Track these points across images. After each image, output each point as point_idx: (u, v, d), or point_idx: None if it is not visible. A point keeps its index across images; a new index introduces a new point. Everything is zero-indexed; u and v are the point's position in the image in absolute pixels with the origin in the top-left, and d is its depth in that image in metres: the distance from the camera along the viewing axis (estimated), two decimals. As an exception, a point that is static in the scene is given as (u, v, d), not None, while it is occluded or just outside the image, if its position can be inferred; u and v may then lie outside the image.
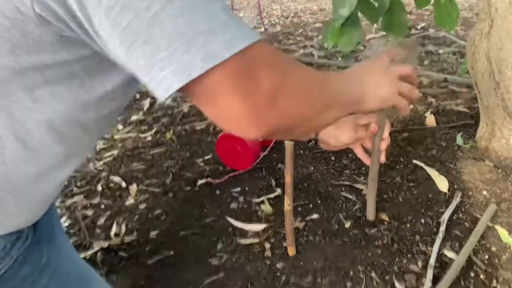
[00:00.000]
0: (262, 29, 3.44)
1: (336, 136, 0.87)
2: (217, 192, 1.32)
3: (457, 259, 0.91)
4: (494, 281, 0.88)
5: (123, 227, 1.22)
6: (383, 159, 0.92)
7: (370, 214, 1.08)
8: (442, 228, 1.01)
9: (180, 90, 0.42)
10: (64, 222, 1.32)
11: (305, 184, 1.29)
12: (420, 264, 0.94)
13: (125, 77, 0.57)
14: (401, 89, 0.68)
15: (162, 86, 0.41)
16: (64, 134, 0.56)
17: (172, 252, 1.09)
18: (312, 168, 1.36)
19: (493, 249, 0.96)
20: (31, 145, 0.53)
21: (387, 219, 1.08)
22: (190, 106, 2.04)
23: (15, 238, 0.60)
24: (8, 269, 0.58)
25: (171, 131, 1.79)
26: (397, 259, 0.96)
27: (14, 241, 0.60)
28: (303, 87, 0.50)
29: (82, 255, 1.13)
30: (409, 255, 0.97)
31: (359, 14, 1.49)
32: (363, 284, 0.90)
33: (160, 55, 0.40)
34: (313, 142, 0.89)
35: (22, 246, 0.61)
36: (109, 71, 0.54)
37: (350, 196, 1.20)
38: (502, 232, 0.99)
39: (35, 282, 0.61)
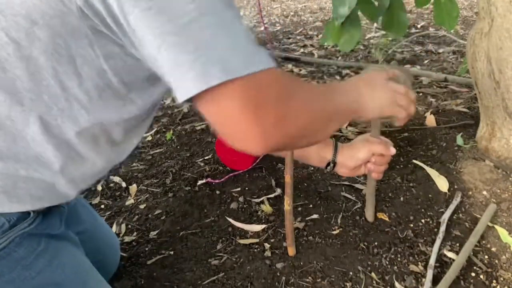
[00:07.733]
0: (262, 28, 3.43)
1: (351, 155, 0.90)
2: (217, 192, 1.32)
3: (457, 259, 0.91)
4: (494, 282, 0.88)
5: (123, 227, 1.22)
6: (375, 176, 0.94)
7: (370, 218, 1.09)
8: (442, 228, 1.01)
9: (195, 97, 0.46)
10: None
11: (305, 184, 1.29)
12: (420, 264, 0.94)
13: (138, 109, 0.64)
14: (400, 101, 0.73)
15: (182, 89, 0.45)
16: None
17: (172, 252, 1.09)
18: (312, 168, 1.36)
19: (493, 249, 0.96)
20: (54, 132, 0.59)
21: (387, 219, 1.08)
22: (190, 106, 2.04)
23: (16, 218, 0.62)
24: (3, 248, 0.61)
25: (171, 131, 1.79)
26: (397, 260, 0.96)
27: (15, 221, 0.62)
28: (307, 109, 0.54)
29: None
30: (409, 256, 0.97)
31: (359, 13, 1.49)
32: (363, 284, 0.91)
33: (184, 59, 0.44)
34: (331, 167, 0.91)
35: (22, 230, 0.63)
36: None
37: (350, 196, 1.20)
38: (502, 232, 0.99)
39: (28, 266, 0.63)
